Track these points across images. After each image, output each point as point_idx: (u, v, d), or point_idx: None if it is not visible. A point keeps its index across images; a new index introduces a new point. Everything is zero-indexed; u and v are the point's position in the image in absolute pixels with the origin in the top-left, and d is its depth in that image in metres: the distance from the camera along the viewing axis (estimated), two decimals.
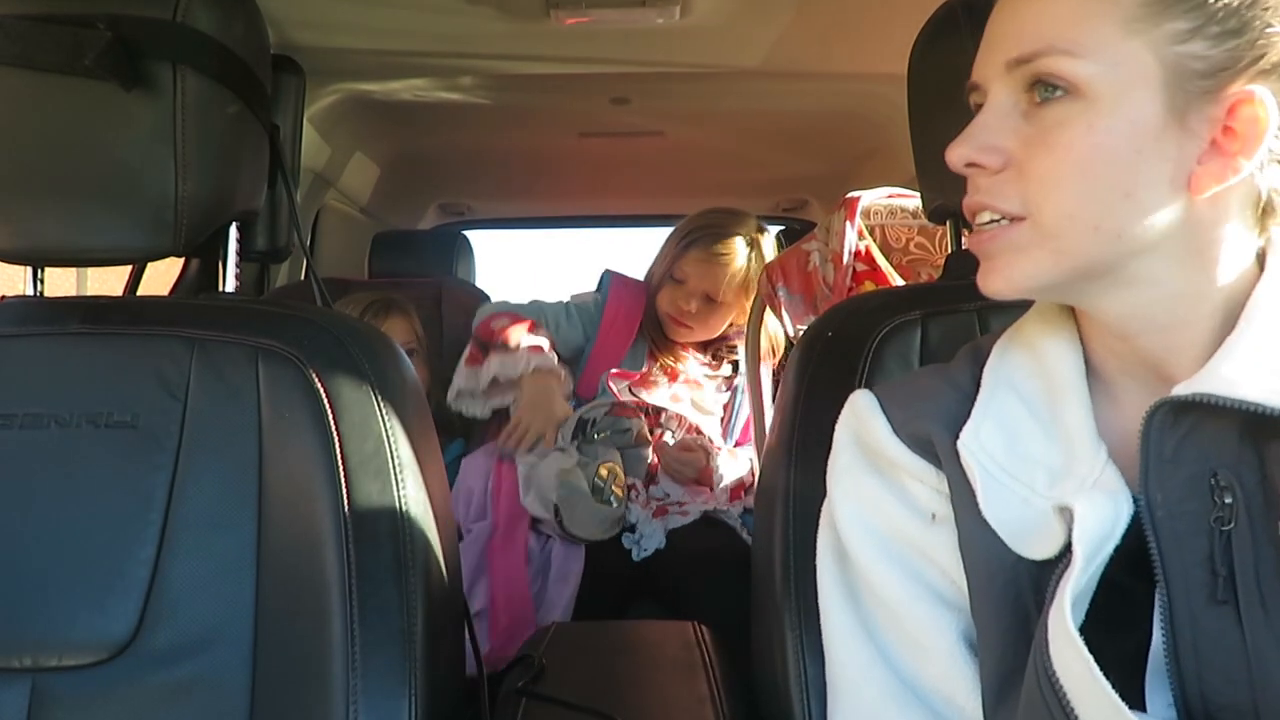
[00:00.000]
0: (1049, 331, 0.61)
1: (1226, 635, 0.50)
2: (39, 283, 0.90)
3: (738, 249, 1.74)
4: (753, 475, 1.73)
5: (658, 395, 1.77)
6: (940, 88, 0.88)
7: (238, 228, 0.93)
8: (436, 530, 0.81)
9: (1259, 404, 0.49)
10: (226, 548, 0.77)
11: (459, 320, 2.03)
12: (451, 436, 1.86)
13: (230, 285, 0.93)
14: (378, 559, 0.75)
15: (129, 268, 1.19)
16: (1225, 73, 0.51)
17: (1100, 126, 0.52)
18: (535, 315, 1.76)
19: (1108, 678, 0.47)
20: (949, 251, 1.01)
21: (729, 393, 1.85)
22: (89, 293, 3.54)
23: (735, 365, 1.86)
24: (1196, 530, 0.51)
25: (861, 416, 0.66)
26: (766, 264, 1.58)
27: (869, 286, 1.27)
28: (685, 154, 2.29)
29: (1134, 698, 0.49)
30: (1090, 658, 0.47)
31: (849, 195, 1.31)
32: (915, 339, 0.85)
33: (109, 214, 0.78)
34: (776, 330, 1.74)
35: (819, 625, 0.68)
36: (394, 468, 0.78)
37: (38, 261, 0.86)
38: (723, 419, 1.83)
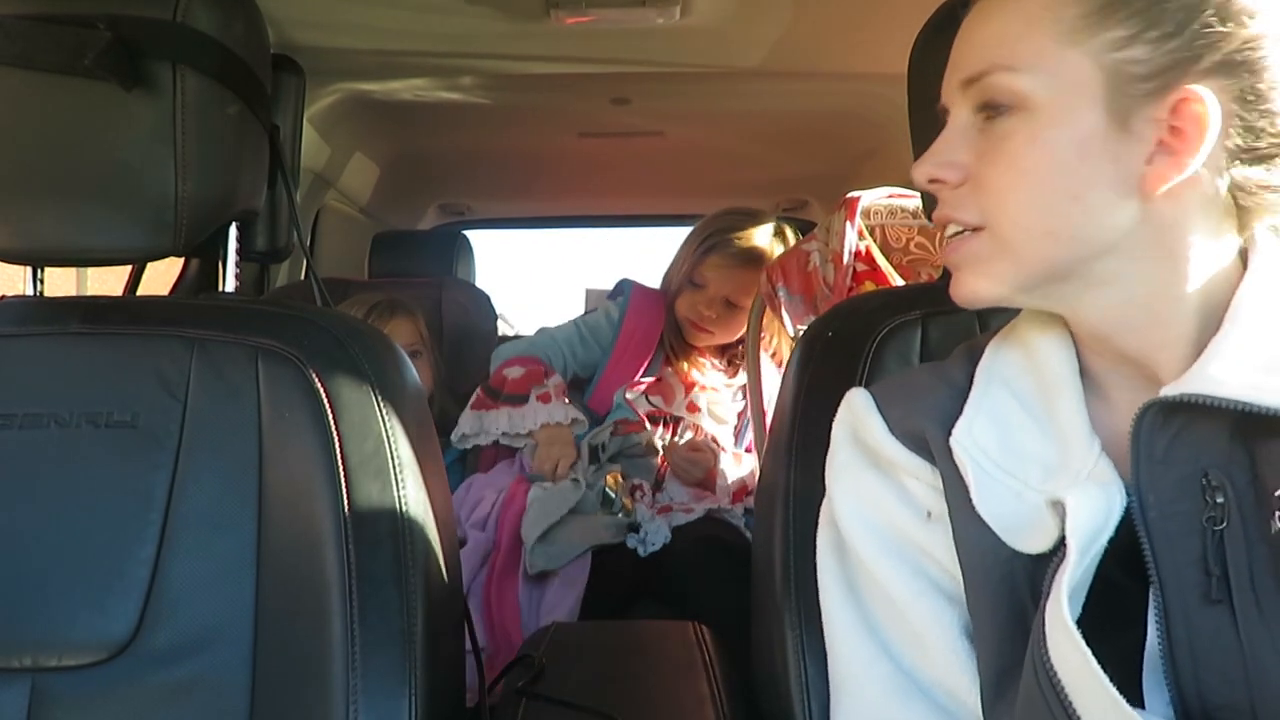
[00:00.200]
0: (1042, 331, 0.61)
1: (1222, 635, 0.50)
2: (39, 283, 0.90)
3: (760, 251, 1.72)
4: (754, 477, 1.73)
5: (675, 403, 1.77)
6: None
7: (238, 228, 0.93)
8: (436, 530, 0.81)
9: (1247, 402, 0.49)
10: (226, 548, 0.77)
11: (459, 320, 2.03)
12: (448, 436, 1.86)
13: (230, 285, 0.93)
14: (378, 559, 0.75)
15: (129, 268, 1.19)
16: (1167, 74, 0.52)
17: (1044, 136, 0.54)
18: (548, 349, 1.76)
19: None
20: None
21: (744, 401, 1.84)
22: (89, 293, 3.55)
23: None
24: (1189, 530, 0.51)
25: (858, 415, 0.66)
26: (767, 264, 1.58)
27: (869, 286, 1.27)
28: (685, 154, 2.29)
29: (1132, 698, 0.49)
30: (1087, 650, 0.48)
31: (849, 195, 1.31)
32: (915, 339, 0.85)
33: (109, 214, 0.78)
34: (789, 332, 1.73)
35: (819, 625, 0.68)
36: (394, 468, 0.78)
37: (38, 261, 0.87)
38: (735, 427, 1.82)
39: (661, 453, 1.74)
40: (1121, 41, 0.52)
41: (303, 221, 1.24)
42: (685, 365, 1.79)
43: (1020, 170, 0.55)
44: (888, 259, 1.28)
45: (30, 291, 0.89)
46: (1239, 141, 0.53)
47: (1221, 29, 0.51)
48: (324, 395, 0.78)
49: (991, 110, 0.56)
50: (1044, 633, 0.50)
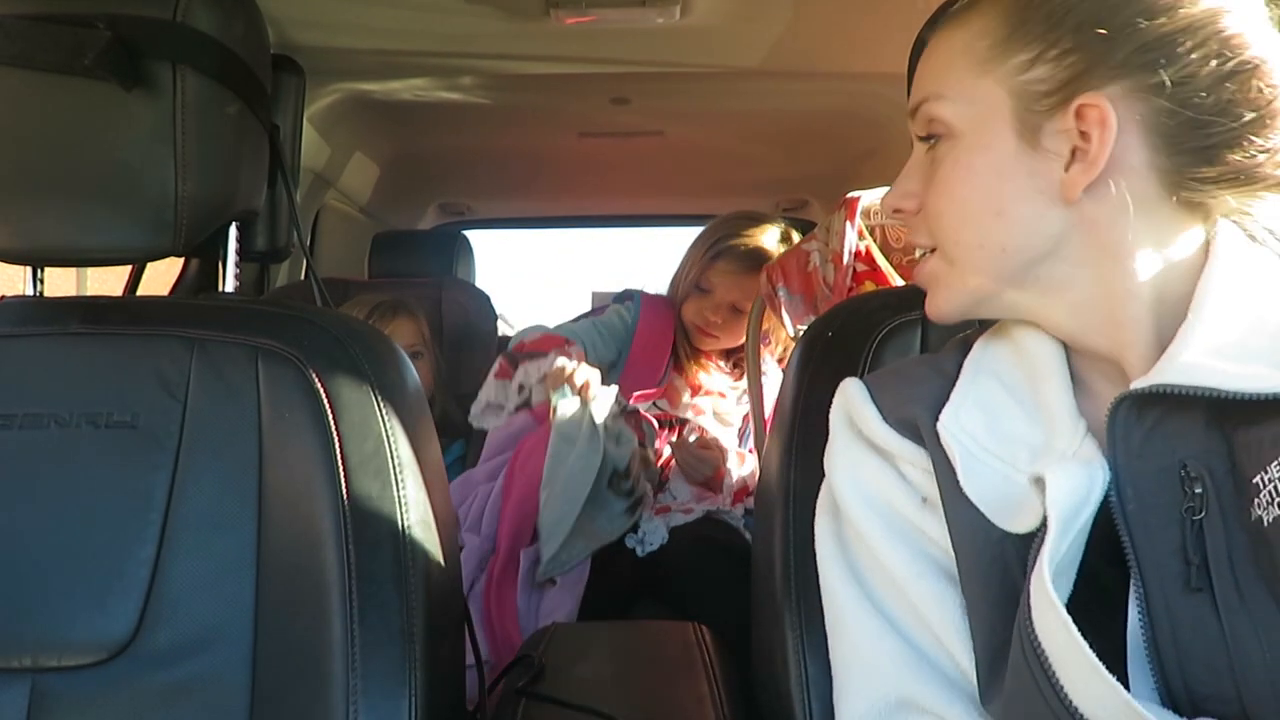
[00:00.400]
0: (1029, 329, 0.63)
1: (1204, 624, 0.50)
2: (39, 283, 0.90)
3: (767, 256, 1.72)
4: (755, 477, 1.73)
5: (679, 406, 1.76)
6: None
7: (238, 228, 0.93)
8: (436, 530, 0.81)
9: (1217, 389, 0.50)
10: (226, 548, 0.77)
11: (459, 320, 2.03)
12: (452, 437, 1.86)
13: (230, 285, 0.93)
14: (378, 559, 0.75)
15: (129, 268, 1.19)
16: (1068, 87, 0.56)
17: (966, 160, 0.59)
18: (569, 336, 1.74)
19: None
20: None
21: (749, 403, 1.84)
22: (89, 293, 3.55)
23: None
24: (1168, 521, 0.52)
25: (852, 403, 0.67)
26: (767, 264, 1.58)
27: (869, 286, 1.27)
28: (685, 154, 2.29)
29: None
30: (1069, 620, 0.48)
31: (849, 195, 1.31)
32: (915, 339, 0.85)
33: (109, 214, 0.78)
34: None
35: (819, 625, 0.68)
36: (394, 468, 0.78)
37: (38, 261, 0.86)
38: (740, 430, 1.82)
39: (668, 452, 1.74)
40: (1025, 65, 0.57)
41: (303, 221, 1.24)
42: (693, 369, 1.79)
43: (951, 193, 0.60)
44: (888, 259, 1.28)
45: (30, 291, 0.89)
46: (1166, 136, 0.55)
47: (1117, 35, 0.55)
48: (324, 395, 0.78)
49: (931, 139, 0.62)
50: (1029, 605, 0.51)
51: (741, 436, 1.82)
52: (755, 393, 1.67)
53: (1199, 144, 0.55)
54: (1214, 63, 0.54)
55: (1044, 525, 0.52)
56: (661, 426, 1.76)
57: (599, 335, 1.80)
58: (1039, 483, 0.54)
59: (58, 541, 0.76)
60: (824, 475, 0.70)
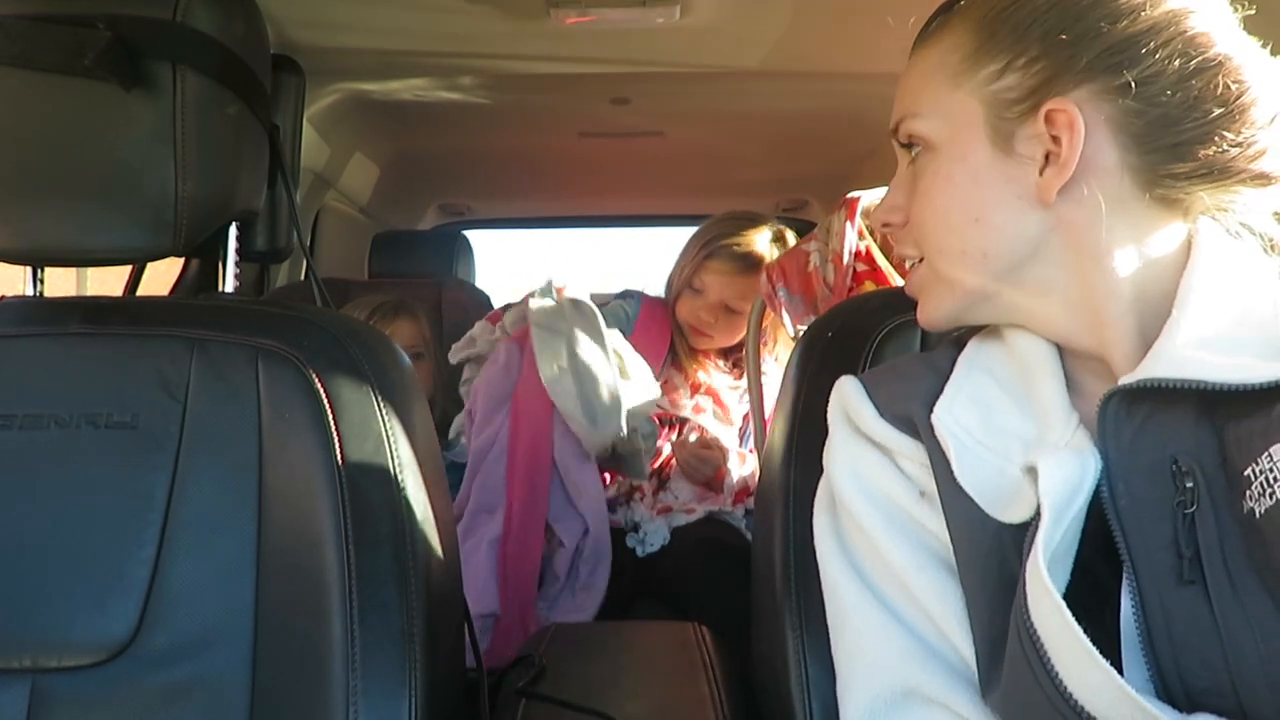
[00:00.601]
0: (1021, 330, 0.64)
1: (1198, 617, 0.50)
2: (39, 283, 0.90)
3: (758, 257, 1.72)
4: (756, 477, 1.73)
5: (680, 405, 1.77)
6: None
7: (238, 228, 0.93)
8: (436, 530, 0.81)
9: (1206, 381, 0.51)
10: (226, 548, 0.77)
11: (459, 320, 2.03)
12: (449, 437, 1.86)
13: (230, 285, 0.93)
14: (378, 559, 0.75)
15: (129, 268, 1.19)
16: (1037, 93, 0.57)
17: (944, 171, 0.61)
18: None
19: None
20: None
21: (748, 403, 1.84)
22: (89, 293, 3.55)
23: None
24: (1160, 515, 0.52)
25: (849, 400, 0.68)
26: (767, 264, 1.58)
27: (869, 286, 1.27)
28: (685, 154, 2.29)
29: None
30: (1063, 605, 0.48)
31: (849, 195, 1.31)
32: (915, 339, 0.85)
33: (109, 214, 0.78)
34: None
35: (820, 625, 0.68)
36: (394, 468, 0.78)
37: (38, 261, 0.86)
38: (740, 428, 1.82)
39: (668, 453, 1.74)
40: (995, 75, 0.59)
41: (303, 221, 1.24)
42: (691, 367, 1.79)
43: (932, 203, 0.62)
44: (888, 259, 1.28)
45: (30, 291, 0.89)
46: (1136, 135, 0.56)
47: (1080, 41, 0.56)
48: (324, 396, 0.78)
49: (912, 152, 0.64)
50: (1025, 593, 0.51)
51: (742, 436, 1.82)
52: (755, 392, 1.67)
53: (1169, 141, 0.56)
54: (1178, 62, 0.55)
55: (1038, 515, 0.52)
56: (662, 425, 1.76)
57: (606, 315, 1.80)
58: (1032, 473, 0.54)
59: (58, 542, 0.76)
60: (823, 472, 0.70)
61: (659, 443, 1.74)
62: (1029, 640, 0.50)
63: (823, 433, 0.70)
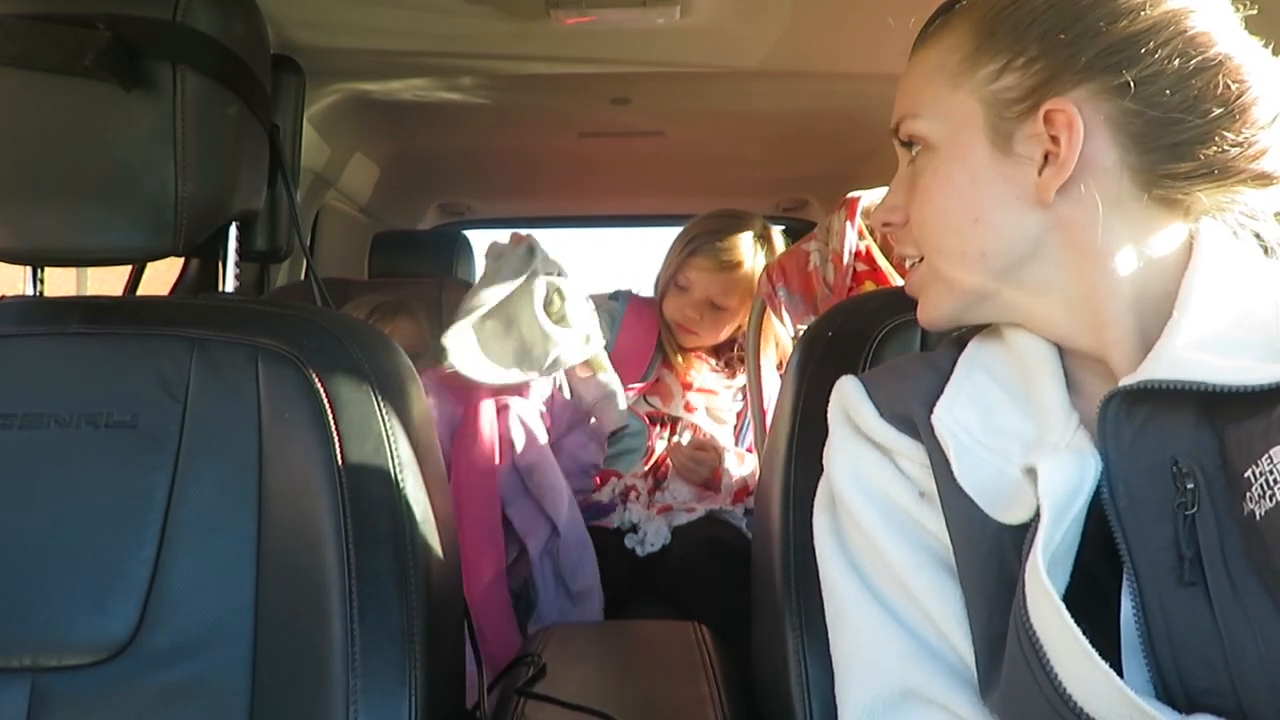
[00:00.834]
0: (1021, 330, 0.64)
1: (1198, 618, 0.50)
2: (39, 283, 0.90)
3: (742, 254, 1.73)
4: (755, 477, 1.73)
5: (672, 404, 1.77)
6: None
7: (238, 228, 0.93)
8: (436, 530, 0.81)
9: (1204, 382, 0.51)
10: (226, 548, 0.77)
11: None
12: None
13: (230, 285, 0.93)
14: (378, 559, 0.75)
15: (129, 268, 1.19)
16: (1036, 93, 0.57)
17: (944, 171, 0.61)
18: None
19: None
20: None
21: (743, 402, 1.85)
22: (89, 293, 3.54)
23: None
24: (1160, 517, 0.52)
25: (849, 400, 0.68)
26: (766, 264, 1.58)
27: (869, 286, 1.27)
28: (685, 154, 2.29)
29: None
30: (1062, 606, 0.48)
31: (849, 195, 1.31)
32: (915, 339, 0.85)
33: (109, 214, 0.78)
34: (784, 336, 1.73)
35: (820, 625, 0.68)
36: (394, 468, 0.78)
37: (38, 261, 0.87)
38: (735, 427, 1.82)
39: (662, 451, 1.74)
40: (994, 75, 0.59)
41: (303, 221, 1.24)
42: (682, 366, 1.80)
43: (931, 204, 0.62)
44: (888, 259, 1.28)
45: (30, 291, 0.89)
46: (1135, 135, 0.56)
47: (1079, 40, 0.56)
48: (324, 395, 0.78)
49: (911, 154, 0.65)
50: (1024, 594, 0.51)
51: (738, 435, 1.82)
52: (755, 392, 1.67)
53: (1169, 141, 0.56)
54: (1177, 61, 0.55)
55: (1038, 516, 0.52)
56: (654, 424, 1.76)
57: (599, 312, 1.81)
58: (1031, 474, 0.54)
59: (58, 541, 0.76)
60: (824, 474, 0.70)
61: (651, 442, 1.74)
62: (1028, 641, 0.50)
63: (823, 432, 0.70)
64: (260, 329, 0.81)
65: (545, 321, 1.45)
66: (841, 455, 0.68)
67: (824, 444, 0.70)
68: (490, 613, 1.40)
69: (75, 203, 0.78)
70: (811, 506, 0.71)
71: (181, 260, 1.37)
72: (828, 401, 0.71)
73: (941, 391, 0.64)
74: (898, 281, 1.26)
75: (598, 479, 1.71)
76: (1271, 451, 0.49)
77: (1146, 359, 0.54)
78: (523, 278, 1.46)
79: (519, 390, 1.53)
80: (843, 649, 0.65)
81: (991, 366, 0.64)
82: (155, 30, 0.77)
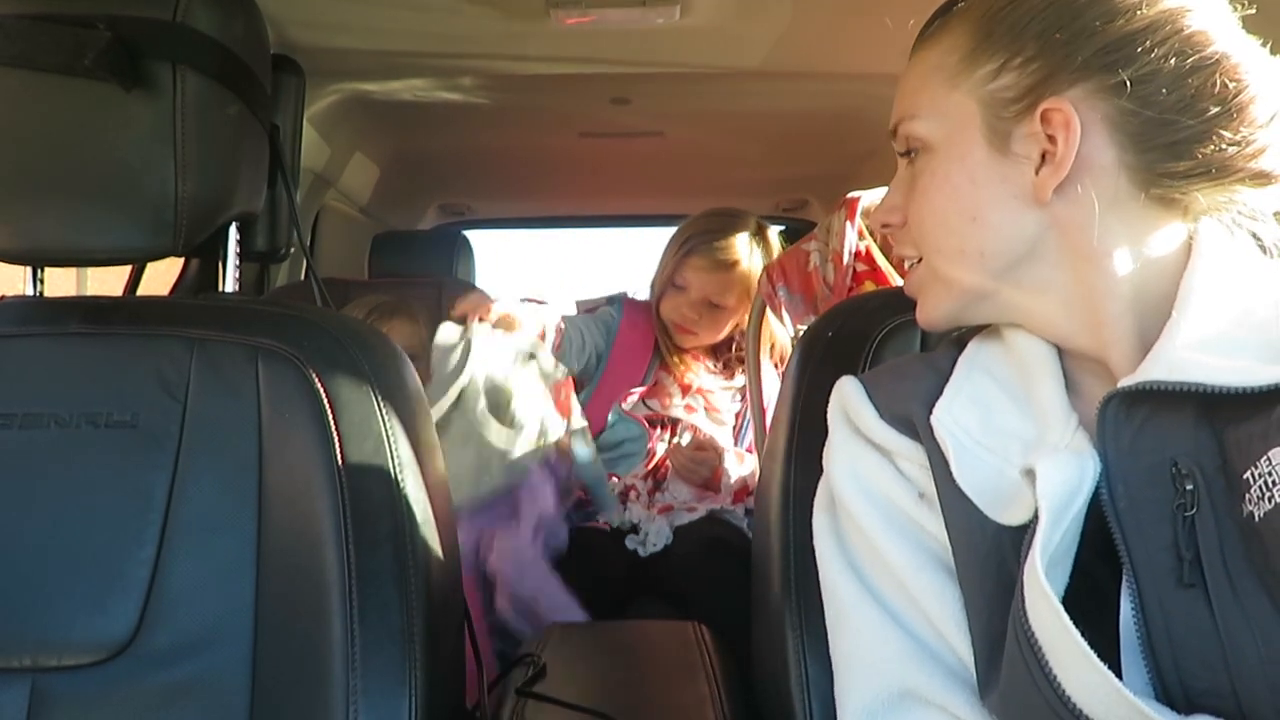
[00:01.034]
0: (1020, 330, 0.64)
1: (1198, 619, 0.50)
2: (39, 283, 0.90)
3: (738, 252, 1.73)
4: (755, 476, 1.73)
5: (671, 406, 1.77)
6: None
7: (238, 228, 0.93)
8: (436, 530, 0.81)
9: (1206, 384, 0.51)
10: (226, 548, 0.77)
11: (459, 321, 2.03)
12: None
13: (230, 285, 0.93)
14: (378, 559, 0.75)
15: (129, 268, 1.19)
16: (1033, 92, 0.58)
17: (942, 171, 0.62)
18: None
19: None
20: None
21: (742, 403, 1.85)
22: (89, 293, 3.54)
23: None
24: (1159, 518, 0.52)
25: (849, 401, 0.68)
26: (766, 264, 1.58)
27: (869, 286, 1.27)
28: (685, 154, 2.29)
29: None
30: (1061, 609, 0.48)
31: (849, 195, 1.31)
32: (915, 339, 0.85)
33: (109, 214, 0.78)
34: (783, 336, 1.74)
35: (820, 625, 0.68)
36: (394, 468, 0.78)
37: (38, 261, 0.87)
38: (735, 427, 1.83)
39: (663, 453, 1.74)
40: (992, 74, 0.59)
41: (303, 221, 1.24)
42: (680, 367, 1.80)
43: (929, 203, 0.63)
44: (888, 259, 1.28)
45: (30, 291, 0.89)
46: (1132, 134, 0.56)
47: (1076, 40, 0.56)
48: (324, 395, 0.78)
49: (910, 155, 0.65)
50: (1023, 595, 0.51)
51: (737, 435, 1.82)
52: (755, 392, 1.68)
53: (1166, 140, 0.56)
54: (1174, 60, 0.55)
55: (1037, 517, 0.52)
56: (653, 426, 1.76)
57: (592, 324, 1.81)
58: (1030, 475, 0.54)
59: (58, 541, 0.76)
60: (823, 475, 0.70)
61: (651, 444, 1.74)
62: (1027, 643, 0.50)
63: (823, 433, 0.70)
64: (260, 329, 0.81)
65: (496, 433, 1.38)
66: (841, 456, 0.68)
67: (824, 444, 0.70)
68: None
69: (75, 203, 0.78)
70: (811, 506, 0.71)
71: (181, 260, 1.37)
72: (828, 401, 0.71)
73: (941, 392, 0.64)
74: (898, 281, 1.26)
75: None
76: (1271, 453, 0.49)
77: (1146, 360, 0.54)
78: (462, 381, 1.38)
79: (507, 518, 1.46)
80: (842, 649, 0.65)
81: (991, 367, 0.64)
82: (155, 30, 0.77)
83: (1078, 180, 0.57)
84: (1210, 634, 0.50)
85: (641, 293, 1.91)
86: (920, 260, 0.66)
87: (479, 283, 2.28)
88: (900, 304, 0.88)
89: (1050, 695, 0.49)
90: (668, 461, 1.73)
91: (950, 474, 0.59)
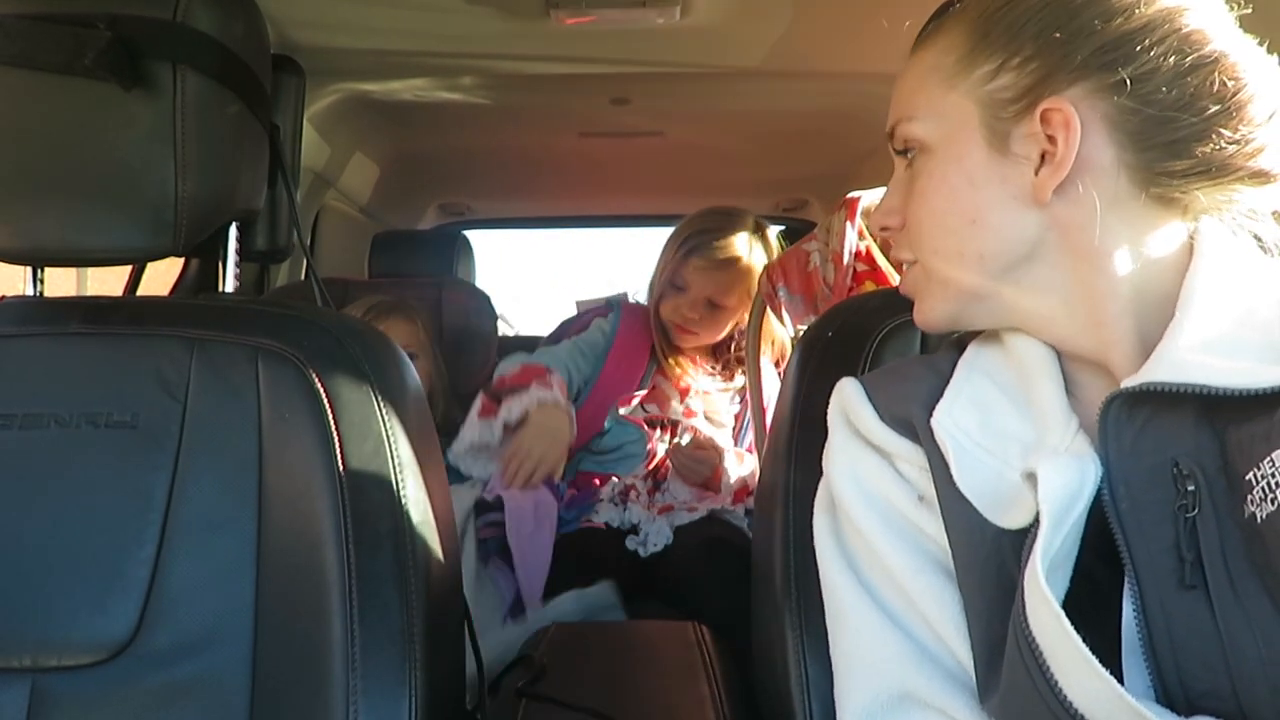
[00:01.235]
0: (1020, 333, 0.64)
1: (1199, 621, 0.50)
2: (39, 283, 0.90)
3: (738, 251, 1.73)
4: (755, 476, 1.73)
5: (670, 409, 1.77)
6: None
7: (238, 228, 0.93)
8: (436, 530, 0.81)
9: (1206, 385, 0.51)
10: (226, 548, 0.77)
11: (459, 321, 2.03)
12: (452, 437, 1.86)
13: (230, 285, 0.93)
14: (377, 559, 0.75)
15: (129, 268, 1.19)
16: (1032, 92, 0.57)
17: (940, 172, 0.61)
18: (550, 360, 1.74)
19: None
20: None
21: (741, 404, 1.84)
22: (89, 293, 3.55)
23: None
24: (1161, 518, 0.52)
25: (849, 402, 0.68)
26: (766, 264, 1.58)
27: (869, 286, 1.27)
28: (685, 154, 2.29)
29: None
30: (1062, 614, 0.48)
31: (849, 195, 1.31)
32: (915, 339, 0.85)
33: (109, 214, 0.78)
34: (782, 334, 1.74)
35: (820, 626, 0.68)
36: (394, 468, 0.78)
37: (38, 261, 0.86)
38: (734, 429, 1.83)
39: (663, 454, 1.74)
40: (990, 75, 0.59)
41: (303, 221, 1.24)
42: (678, 370, 1.79)
43: (927, 205, 0.62)
44: (888, 259, 1.28)
45: (30, 291, 0.89)
46: (1132, 133, 0.56)
47: (1074, 39, 0.56)
48: (324, 396, 0.78)
49: (908, 157, 0.65)
50: (1023, 600, 0.51)
51: (736, 437, 1.82)
52: (755, 392, 1.67)
53: (1166, 139, 0.55)
54: (1173, 59, 0.55)
55: (1037, 521, 0.52)
56: (653, 428, 1.76)
57: (580, 354, 1.80)
58: (1031, 479, 0.54)
59: (58, 541, 0.76)
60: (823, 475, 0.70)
61: (651, 444, 1.74)
62: (1028, 648, 0.50)
63: (823, 432, 0.70)
64: (260, 329, 0.81)
65: None
66: (841, 458, 0.68)
67: (824, 444, 0.70)
68: None
69: (75, 203, 0.78)
70: (811, 507, 0.71)
71: (181, 260, 1.37)
72: (828, 401, 0.71)
73: (941, 394, 0.64)
74: (898, 281, 1.26)
75: (596, 479, 1.70)
76: (1274, 454, 0.49)
77: (1148, 361, 0.54)
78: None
79: None
80: (842, 650, 0.65)
81: (990, 370, 0.64)
82: (155, 30, 0.77)
83: (1078, 180, 0.57)
84: (1211, 636, 0.50)
85: (642, 293, 1.91)
86: (915, 263, 0.66)
87: (479, 283, 2.28)
88: (900, 304, 0.87)
89: (1051, 700, 0.49)
90: (668, 462, 1.73)
91: (950, 477, 0.59)
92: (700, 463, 1.68)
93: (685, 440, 1.75)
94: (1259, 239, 0.60)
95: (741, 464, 1.73)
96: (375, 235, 2.27)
